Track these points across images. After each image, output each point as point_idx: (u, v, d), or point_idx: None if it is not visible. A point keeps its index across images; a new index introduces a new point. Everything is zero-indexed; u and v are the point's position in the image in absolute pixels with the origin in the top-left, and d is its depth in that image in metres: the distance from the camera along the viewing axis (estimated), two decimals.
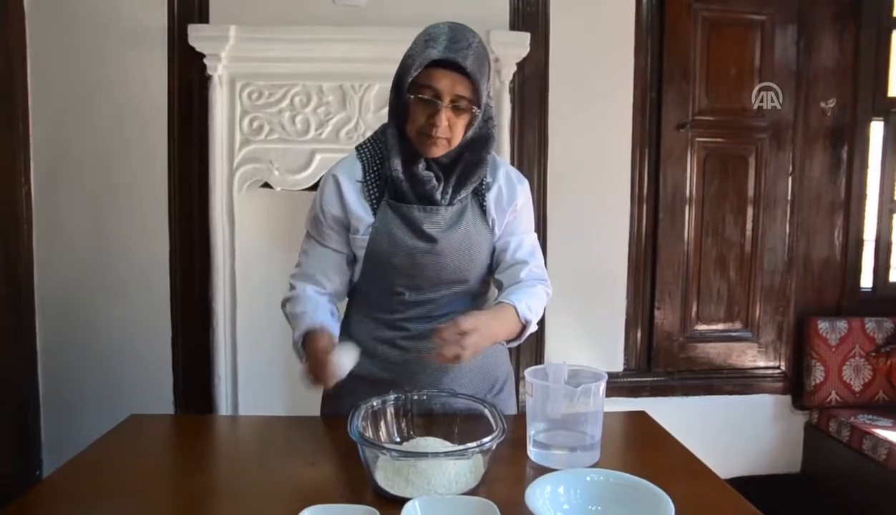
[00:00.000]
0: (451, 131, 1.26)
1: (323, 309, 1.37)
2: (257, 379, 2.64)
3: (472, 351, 1.18)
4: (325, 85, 2.51)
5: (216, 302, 2.57)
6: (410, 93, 1.25)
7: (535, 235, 1.45)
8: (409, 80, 1.24)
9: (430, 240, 1.32)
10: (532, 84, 2.68)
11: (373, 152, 1.37)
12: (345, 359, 1.26)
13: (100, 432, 1.32)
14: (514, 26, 2.63)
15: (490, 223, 1.38)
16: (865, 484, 2.57)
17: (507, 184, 1.39)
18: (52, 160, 2.57)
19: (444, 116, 1.24)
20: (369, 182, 1.35)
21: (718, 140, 2.84)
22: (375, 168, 1.35)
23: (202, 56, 2.46)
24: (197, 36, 2.44)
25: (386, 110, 2.59)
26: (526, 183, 1.43)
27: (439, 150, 1.29)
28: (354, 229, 1.35)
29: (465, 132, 1.29)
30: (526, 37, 2.55)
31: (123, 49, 2.54)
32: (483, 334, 1.20)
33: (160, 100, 2.57)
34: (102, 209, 2.60)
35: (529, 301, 1.32)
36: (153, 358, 2.63)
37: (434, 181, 1.31)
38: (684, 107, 2.78)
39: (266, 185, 2.57)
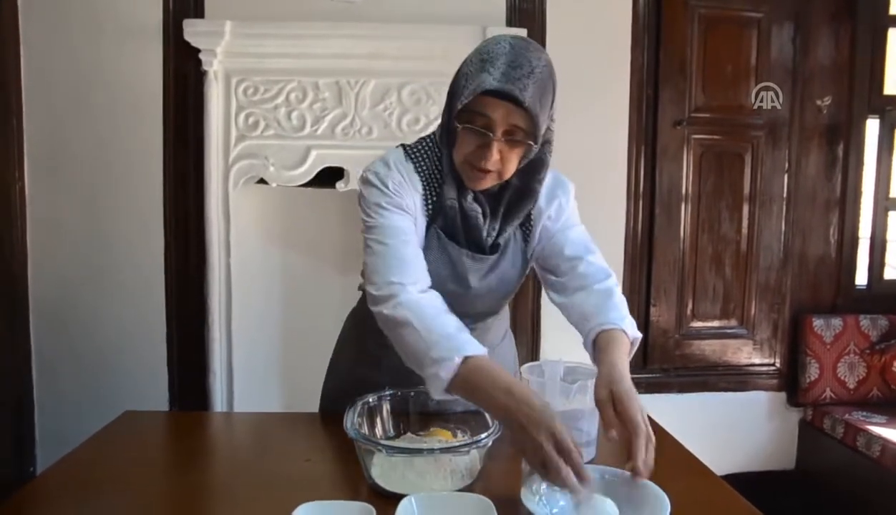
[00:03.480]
0: (502, 164, 1.13)
1: (461, 325, 1.11)
2: (253, 375, 2.63)
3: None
4: (321, 81, 2.50)
5: (211, 298, 2.56)
6: (459, 122, 1.12)
7: (583, 227, 1.34)
8: (459, 106, 1.12)
9: (468, 286, 1.24)
10: None
11: (431, 170, 1.22)
12: None
13: (95, 429, 1.32)
14: (510, 23, 2.62)
15: (530, 251, 1.29)
16: (859, 481, 2.58)
17: (556, 204, 1.28)
18: (46, 156, 2.56)
19: (496, 149, 1.11)
20: (428, 201, 1.21)
21: (715, 137, 2.84)
22: (435, 188, 1.21)
23: (197, 51, 2.44)
24: (192, 31, 2.43)
25: (381, 107, 2.62)
26: (570, 185, 1.34)
27: (487, 184, 1.16)
28: None
29: (519, 164, 1.17)
30: (522, 33, 2.54)
31: (118, 43, 2.52)
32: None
33: (155, 95, 2.55)
34: (97, 205, 2.59)
35: (624, 312, 1.19)
36: (148, 354, 2.62)
37: (480, 217, 1.19)
38: (681, 104, 2.78)
39: (262, 181, 2.57)
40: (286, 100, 2.50)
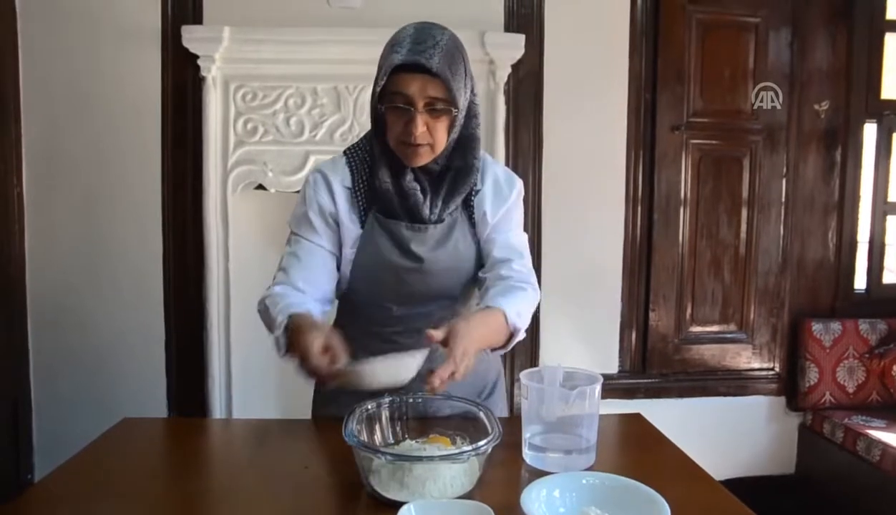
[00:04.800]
0: (431, 136, 1.21)
1: (308, 305, 1.24)
2: (251, 381, 2.63)
3: (463, 376, 1.10)
4: (319, 86, 2.51)
5: (210, 304, 2.56)
6: (382, 104, 1.21)
7: (525, 235, 1.39)
8: (378, 89, 1.20)
9: (417, 259, 1.29)
10: (527, 85, 2.68)
11: (362, 159, 1.31)
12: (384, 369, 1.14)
13: (93, 435, 1.31)
14: (508, 28, 2.63)
15: (478, 234, 1.34)
16: (859, 485, 2.58)
17: (495, 189, 1.33)
18: (45, 161, 2.56)
19: (421, 122, 1.18)
20: (358, 190, 1.30)
21: (713, 142, 2.84)
22: (364, 176, 1.30)
23: (196, 57, 2.45)
24: (191, 37, 2.43)
25: None
26: (518, 182, 1.37)
27: (423, 158, 1.23)
28: (344, 240, 1.31)
29: (449, 134, 1.23)
30: (520, 38, 2.55)
31: (117, 50, 2.53)
32: (471, 355, 1.11)
33: (154, 101, 2.56)
34: (95, 210, 2.59)
35: (519, 306, 1.23)
36: (146, 360, 2.62)
37: (419, 194, 1.25)
38: (679, 108, 2.79)
39: (260, 187, 2.57)
40: (284, 105, 2.51)
